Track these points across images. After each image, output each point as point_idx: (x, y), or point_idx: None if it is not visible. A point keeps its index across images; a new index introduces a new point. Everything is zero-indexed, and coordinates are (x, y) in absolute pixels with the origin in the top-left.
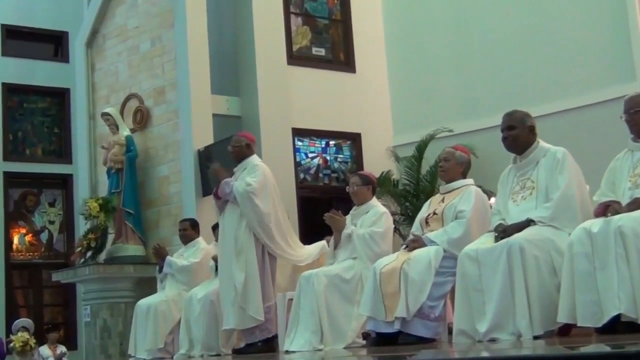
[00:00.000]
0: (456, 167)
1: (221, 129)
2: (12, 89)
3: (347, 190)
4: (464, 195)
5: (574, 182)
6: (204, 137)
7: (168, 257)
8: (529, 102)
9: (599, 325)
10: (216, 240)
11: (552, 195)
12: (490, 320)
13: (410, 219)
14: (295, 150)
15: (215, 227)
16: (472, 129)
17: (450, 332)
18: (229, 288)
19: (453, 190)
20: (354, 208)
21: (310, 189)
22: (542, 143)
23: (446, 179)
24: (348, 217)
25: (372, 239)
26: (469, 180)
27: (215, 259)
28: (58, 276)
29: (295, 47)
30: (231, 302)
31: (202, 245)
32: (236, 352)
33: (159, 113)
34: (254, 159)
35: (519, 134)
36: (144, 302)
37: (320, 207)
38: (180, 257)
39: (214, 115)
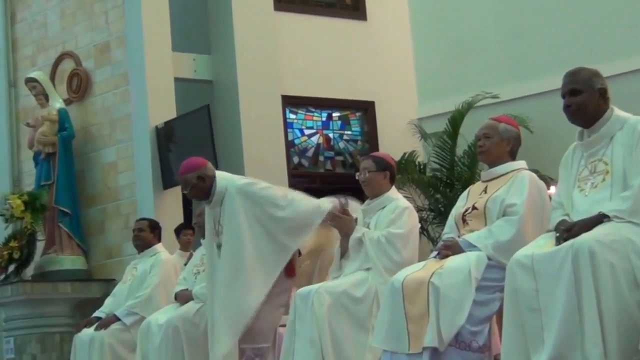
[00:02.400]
0: (501, 145)
1: (186, 98)
2: None
3: (356, 178)
4: (513, 183)
5: None
6: (164, 109)
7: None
8: (597, 58)
9: None
10: (182, 248)
11: (632, 181)
12: (550, 350)
13: (442, 215)
14: (287, 125)
15: (179, 230)
16: (524, 94)
17: None
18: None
19: (498, 176)
20: (366, 202)
21: (307, 177)
22: (617, 111)
23: (488, 162)
24: (358, 214)
25: (389, 244)
26: (520, 163)
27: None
28: None
29: None
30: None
31: (163, 257)
32: None
33: (102, 78)
34: None
35: (586, 101)
36: (86, 332)
37: None
38: (132, 272)
39: (177, 79)
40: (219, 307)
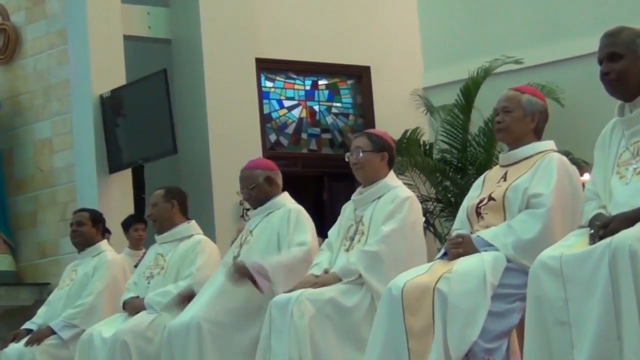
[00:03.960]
0: (524, 121)
1: (139, 60)
2: None
3: (346, 160)
4: (539, 168)
5: None
6: (111, 74)
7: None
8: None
9: None
10: (132, 246)
11: None
12: None
13: (451, 207)
14: (262, 95)
15: (128, 224)
16: (553, 58)
17: None
18: None
19: (521, 160)
20: (358, 191)
21: (286, 159)
22: None
23: (509, 142)
24: (348, 208)
25: (377, 257)
26: (548, 144)
27: None
28: None
29: None
30: None
31: (108, 256)
32: None
33: (34, 35)
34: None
35: (628, 67)
36: (14, 347)
37: (304, 190)
38: (71, 275)
39: (127, 37)
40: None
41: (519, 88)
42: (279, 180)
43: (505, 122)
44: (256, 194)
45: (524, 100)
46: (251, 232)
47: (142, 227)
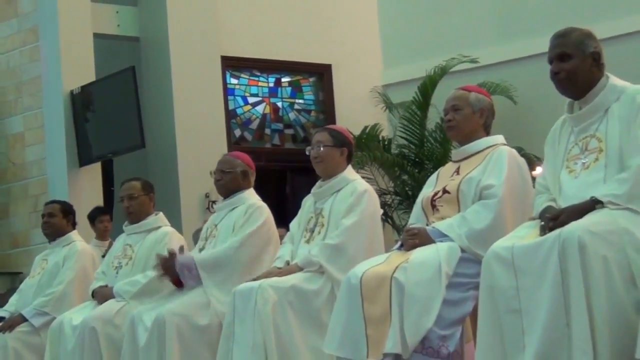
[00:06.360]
0: (473, 118)
1: (108, 57)
2: None
3: (307, 154)
4: (490, 162)
5: None
6: (81, 71)
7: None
8: (590, 18)
9: None
10: (99, 237)
11: (630, 161)
12: (532, 358)
13: (409, 200)
14: (227, 92)
15: (93, 216)
16: (507, 58)
17: None
18: None
19: (472, 155)
20: (318, 184)
21: (250, 153)
22: (613, 80)
23: (460, 139)
24: (308, 201)
25: (338, 249)
26: (497, 138)
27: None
28: None
29: None
30: None
31: (79, 246)
32: None
33: (6, 33)
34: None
35: (576, 67)
36: None
37: (268, 184)
38: (42, 264)
39: (97, 35)
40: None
41: (465, 87)
42: (252, 179)
43: (455, 119)
44: (228, 179)
45: (471, 98)
46: (216, 226)
47: (107, 218)
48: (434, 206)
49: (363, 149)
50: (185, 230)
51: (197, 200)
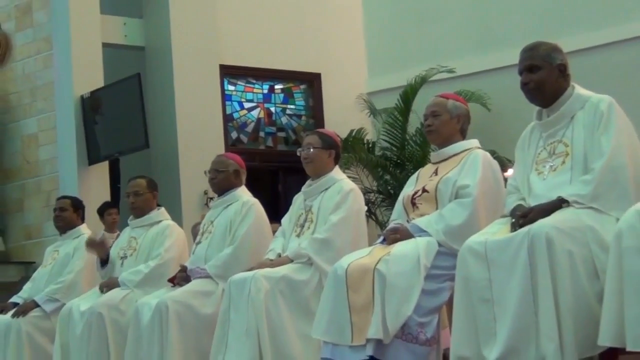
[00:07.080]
0: (451, 123)
1: (115, 65)
2: None
3: (298, 155)
4: (466, 163)
5: (625, 145)
6: (91, 77)
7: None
8: (558, 32)
9: None
10: (107, 229)
11: (593, 164)
12: (503, 343)
13: (391, 198)
14: (225, 97)
15: (102, 211)
16: (482, 68)
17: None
18: None
19: (450, 157)
20: (307, 183)
21: (246, 154)
22: (578, 90)
23: (438, 142)
24: (299, 199)
25: (326, 243)
26: (472, 142)
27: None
28: None
29: None
30: None
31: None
32: None
33: (23, 42)
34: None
35: (544, 77)
36: (2, 318)
37: (261, 182)
38: (54, 254)
39: (105, 45)
40: None
41: (444, 95)
42: (244, 178)
43: (434, 124)
44: (221, 178)
45: (449, 105)
46: (212, 222)
47: (115, 211)
48: (414, 204)
49: (349, 151)
50: (185, 224)
51: (197, 196)
